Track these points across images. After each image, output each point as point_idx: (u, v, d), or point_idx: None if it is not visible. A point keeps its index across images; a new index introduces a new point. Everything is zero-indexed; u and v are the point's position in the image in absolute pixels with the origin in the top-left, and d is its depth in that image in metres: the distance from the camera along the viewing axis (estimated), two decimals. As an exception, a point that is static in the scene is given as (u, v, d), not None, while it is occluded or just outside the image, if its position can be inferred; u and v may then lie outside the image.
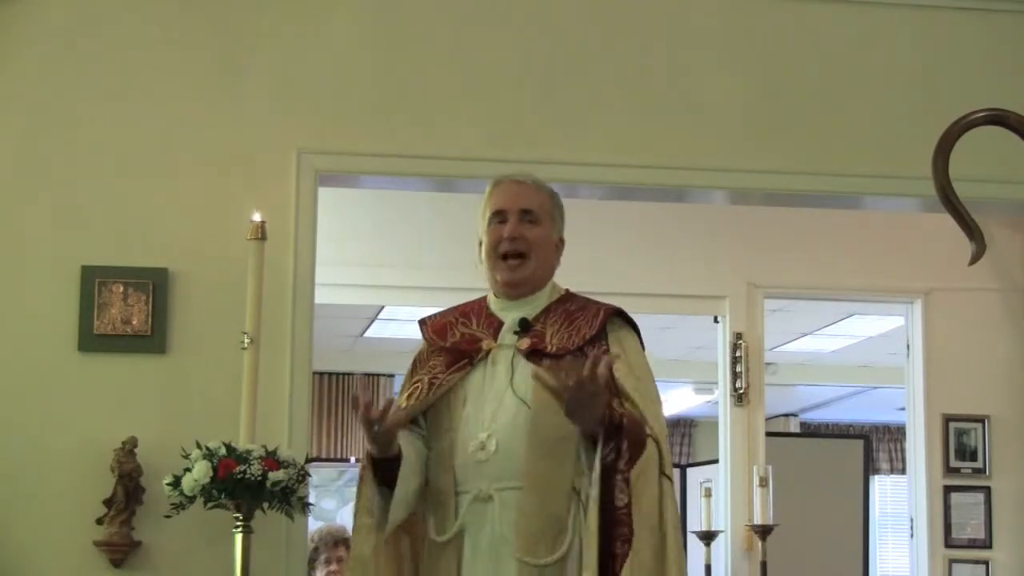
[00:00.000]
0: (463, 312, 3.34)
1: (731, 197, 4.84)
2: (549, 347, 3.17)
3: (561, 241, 3.32)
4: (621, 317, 3.26)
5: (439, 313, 3.40)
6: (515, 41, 4.50)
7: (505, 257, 3.23)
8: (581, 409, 2.92)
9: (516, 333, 3.23)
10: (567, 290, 3.34)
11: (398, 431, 3.07)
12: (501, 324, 3.26)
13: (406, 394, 3.27)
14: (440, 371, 3.24)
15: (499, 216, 3.26)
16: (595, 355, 2.92)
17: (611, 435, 2.97)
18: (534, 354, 3.16)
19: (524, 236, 3.22)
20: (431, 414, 3.24)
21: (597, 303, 3.29)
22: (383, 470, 3.12)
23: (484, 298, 3.37)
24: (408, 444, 3.16)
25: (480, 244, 3.33)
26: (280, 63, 4.37)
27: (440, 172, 4.47)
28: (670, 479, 3.07)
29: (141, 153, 4.25)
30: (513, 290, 3.26)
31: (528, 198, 3.25)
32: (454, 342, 3.27)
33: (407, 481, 3.12)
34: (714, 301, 6.31)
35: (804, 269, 6.39)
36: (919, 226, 6.12)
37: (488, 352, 3.22)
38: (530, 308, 3.26)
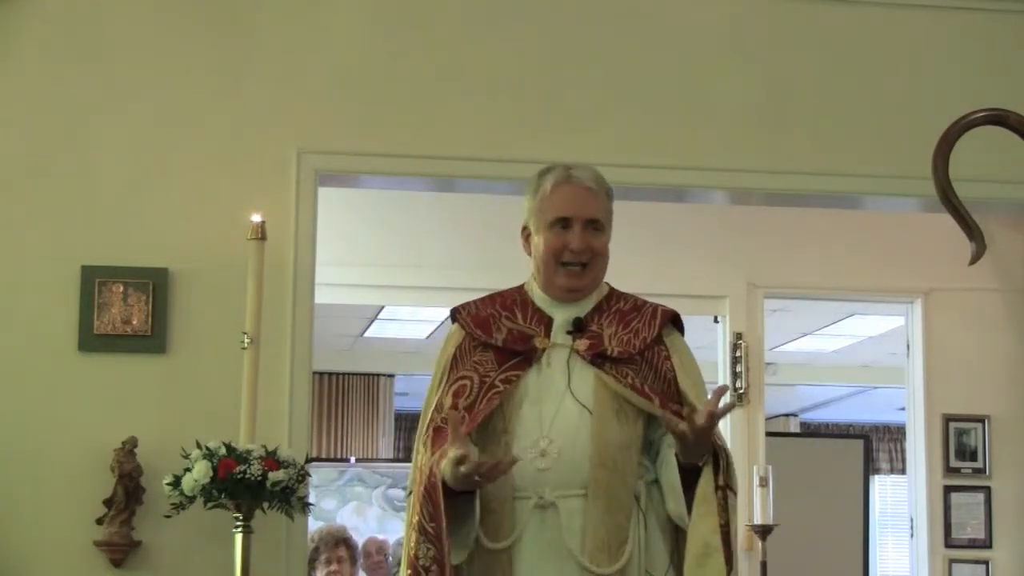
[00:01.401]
0: (504, 305, 3.21)
1: (731, 197, 4.85)
2: (610, 350, 3.10)
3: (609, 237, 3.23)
4: (674, 322, 3.21)
5: (473, 303, 3.25)
6: (515, 41, 4.50)
7: (567, 264, 3.14)
8: (699, 447, 2.95)
9: (570, 333, 3.14)
10: (608, 284, 3.25)
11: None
12: (550, 321, 3.16)
13: (451, 390, 3.13)
14: (491, 369, 3.12)
15: (563, 223, 3.12)
16: (718, 391, 2.97)
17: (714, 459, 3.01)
18: (598, 357, 3.10)
19: (590, 247, 3.12)
20: (488, 418, 3.10)
21: (648, 303, 3.22)
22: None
23: (522, 288, 3.25)
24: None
25: (524, 230, 3.22)
26: (280, 63, 4.37)
27: (440, 172, 4.47)
28: (734, 492, 3.03)
29: (141, 153, 4.26)
30: (573, 295, 3.17)
31: (595, 206, 3.13)
32: (504, 339, 3.15)
33: (475, 511, 3.02)
34: (714, 301, 6.31)
35: (804, 269, 6.39)
36: (919, 226, 6.12)
37: (542, 351, 3.13)
38: (581, 306, 3.17)
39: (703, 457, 2.99)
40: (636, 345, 3.11)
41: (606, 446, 3.03)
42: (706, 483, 2.99)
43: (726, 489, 3.01)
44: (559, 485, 3.02)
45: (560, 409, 3.06)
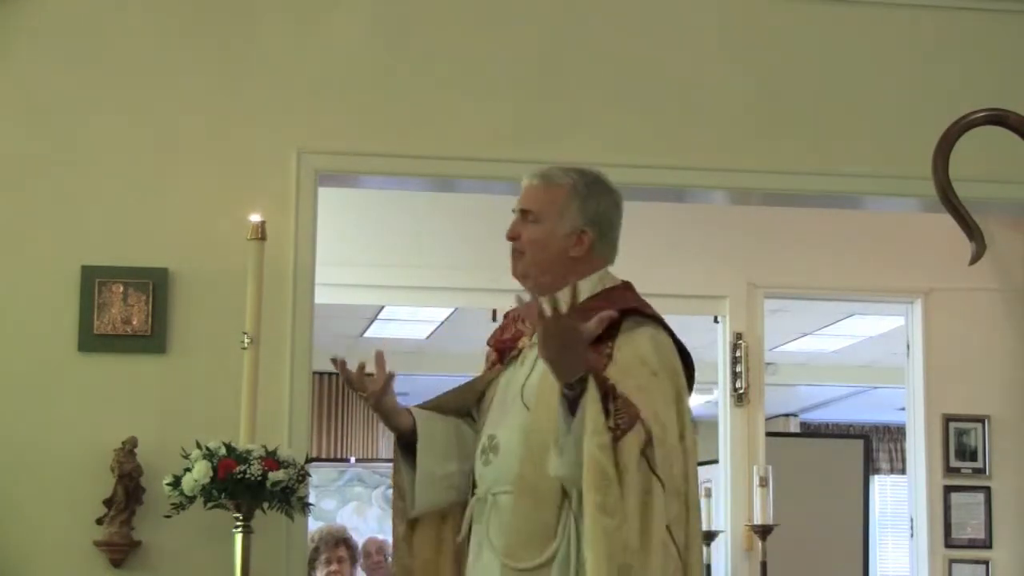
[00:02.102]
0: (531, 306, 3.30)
1: (731, 197, 4.85)
2: None
3: (583, 232, 3.15)
4: (639, 315, 3.09)
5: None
6: (515, 41, 4.50)
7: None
8: (557, 347, 2.77)
9: None
10: (621, 284, 3.20)
11: (393, 405, 3.15)
12: None
13: None
14: (487, 368, 3.28)
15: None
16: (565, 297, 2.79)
17: (604, 397, 2.81)
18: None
19: (519, 235, 3.16)
20: (479, 413, 3.24)
21: (623, 300, 3.13)
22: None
23: None
24: (445, 427, 3.17)
25: None
26: (280, 63, 4.37)
27: (440, 172, 4.47)
28: (661, 482, 2.82)
29: (141, 153, 4.26)
30: (522, 284, 3.19)
31: (530, 198, 3.18)
32: (500, 340, 3.25)
33: (431, 463, 3.13)
34: (714, 301, 6.31)
35: (804, 269, 6.39)
36: (919, 226, 6.12)
37: (519, 351, 3.19)
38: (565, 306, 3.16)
39: (572, 374, 2.79)
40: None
41: (536, 442, 2.98)
42: (593, 416, 2.78)
43: (615, 432, 2.79)
44: (496, 481, 3.06)
45: (512, 407, 3.10)
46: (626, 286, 3.21)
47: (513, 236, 3.17)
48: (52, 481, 4.07)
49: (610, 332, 3.02)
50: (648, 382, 2.96)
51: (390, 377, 3.12)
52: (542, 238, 3.15)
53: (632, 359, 2.98)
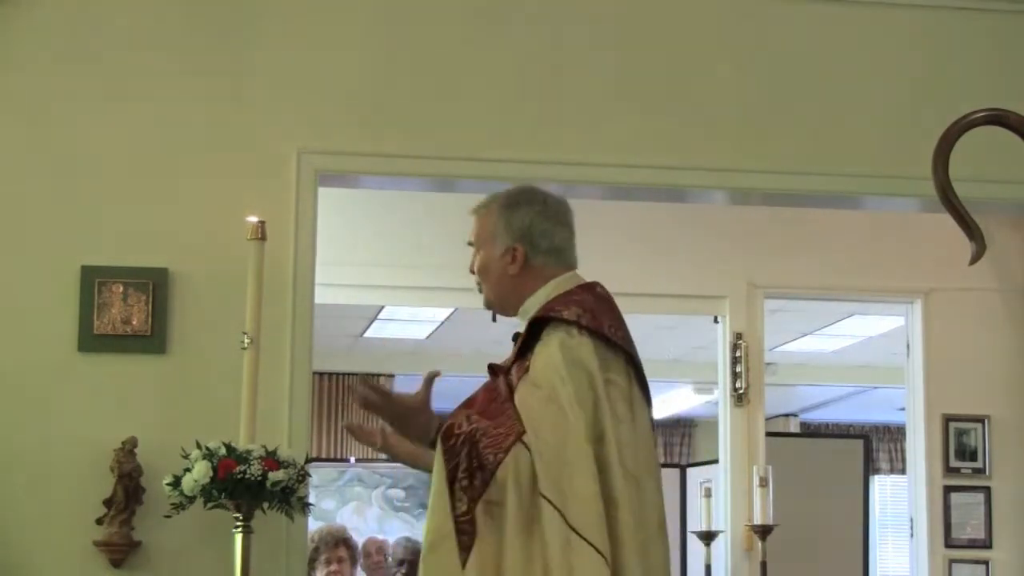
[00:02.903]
0: None
1: (731, 197, 4.85)
2: (502, 363, 3.15)
3: (514, 250, 3.18)
4: (555, 320, 3.06)
5: None
6: (515, 41, 4.50)
7: None
8: (399, 423, 3.13)
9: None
10: (576, 287, 3.16)
11: (410, 451, 3.20)
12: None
13: None
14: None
15: None
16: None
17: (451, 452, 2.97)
18: (490, 371, 3.19)
19: (474, 268, 3.28)
20: None
21: (550, 308, 3.11)
22: None
23: None
24: None
25: None
26: (280, 63, 4.37)
27: (440, 172, 4.47)
28: (549, 501, 2.88)
29: (141, 153, 4.26)
30: (495, 312, 3.31)
31: (472, 230, 3.30)
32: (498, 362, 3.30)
33: None
34: (714, 301, 6.31)
35: (804, 269, 6.39)
36: (919, 226, 6.12)
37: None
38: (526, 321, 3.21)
39: (422, 439, 3.09)
40: (513, 356, 3.12)
41: None
42: (437, 478, 2.95)
43: (463, 482, 2.93)
44: None
45: None
46: (584, 288, 3.17)
47: (471, 269, 3.30)
48: (52, 481, 4.07)
49: (532, 342, 3.08)
50: (552, 392, 2.98)
51: (382, 430, 3.19)
52: (485, 264, 3.26)
53: (542, 368, 3.02)
